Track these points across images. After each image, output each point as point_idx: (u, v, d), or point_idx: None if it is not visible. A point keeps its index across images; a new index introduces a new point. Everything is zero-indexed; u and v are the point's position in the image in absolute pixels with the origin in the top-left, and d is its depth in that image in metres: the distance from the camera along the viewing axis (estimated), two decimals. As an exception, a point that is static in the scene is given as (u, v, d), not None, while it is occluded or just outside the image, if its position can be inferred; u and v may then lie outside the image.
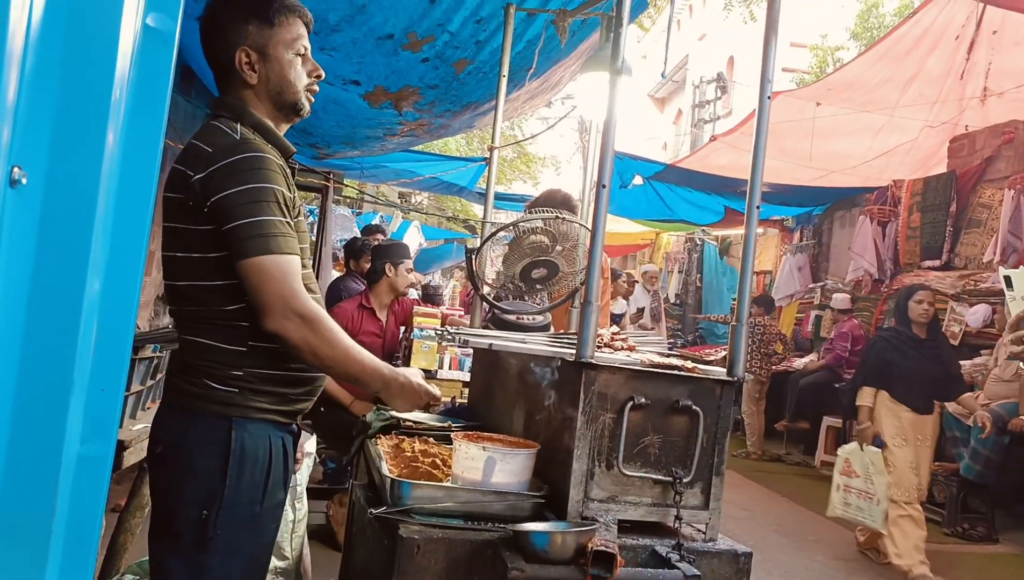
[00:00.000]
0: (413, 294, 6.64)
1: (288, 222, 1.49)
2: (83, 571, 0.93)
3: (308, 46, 1.65)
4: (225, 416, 1.49)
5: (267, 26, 1.58)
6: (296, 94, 1.63)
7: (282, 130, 1.67)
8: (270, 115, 1.63)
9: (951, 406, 6.01)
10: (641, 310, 8.83)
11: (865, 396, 4.53)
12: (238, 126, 1.55)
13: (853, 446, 4.66)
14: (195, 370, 1.52)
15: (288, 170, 1.59)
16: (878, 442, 4.52)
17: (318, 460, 3.77)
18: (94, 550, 0.96)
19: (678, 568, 1.40)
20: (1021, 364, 2.10)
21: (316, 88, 1.68)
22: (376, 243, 5.23)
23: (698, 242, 12.48)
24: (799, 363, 8.40)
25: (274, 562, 2.23)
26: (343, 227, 8.55)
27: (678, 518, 1.51)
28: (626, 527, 1.54)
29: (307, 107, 1.67)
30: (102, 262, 0.89)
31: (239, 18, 1.57)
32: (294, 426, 1.67)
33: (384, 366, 1.59)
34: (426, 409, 1.70)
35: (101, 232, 0.82)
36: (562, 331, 2.66)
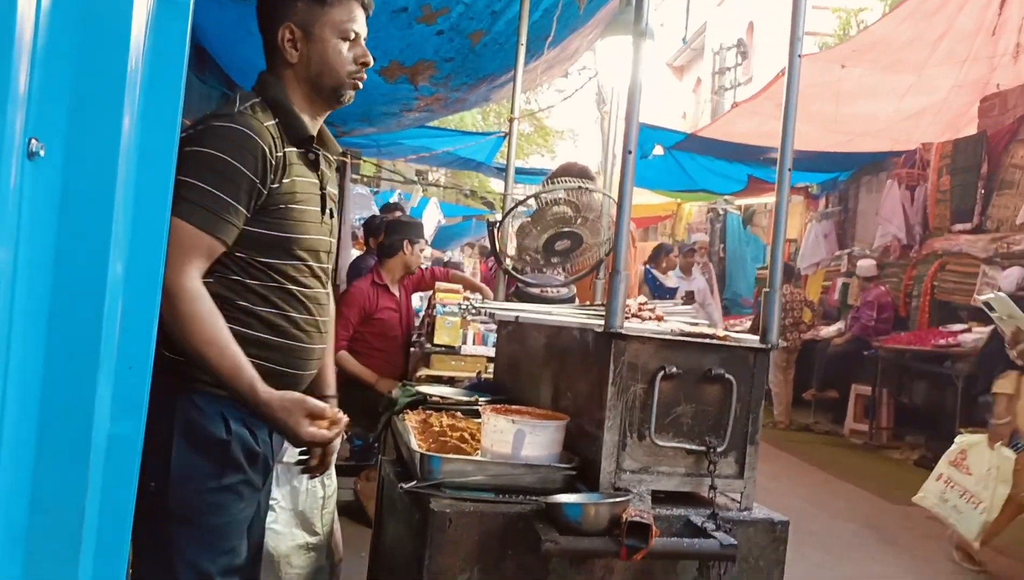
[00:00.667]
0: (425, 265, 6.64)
1: (233, 205, 1.40)
2: (118, 548, 0.93)
3: (361, 31, 1.56)
4: (171, 386, 1.40)
5: (318, 4, 1.50)
6: (337, 79, 1.54)
7: (320, 116, 1.60)
8: (307, 98, 1.56)
9: (984, 371, 5.92)
10: (690, 294, 7.42)
11: (1008, 383, 3.50)
12: (251, 100, 1.51)
13: (979, 439, 3.90)
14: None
15: (289, 153, 1.51)
16: (1016, 443, 3.71)
17: (345, 437, 3.79)
18: (128, 527, 0.96)
19: (714, 537, 1.38)
20: None
21: (363, 76, 1.58)
22: (392, 218, 5.23)
23: (720, 212, 12.33)
24: (826, 332, 8.31)
25: (304, 537, 2.24)
26: (361, 205, 8.54)
27: (713, 487, 1.49)
28: (660, 497, 1.52)
29: (350, 94, 1.58)
30: (125, 236, 0.87)
31: None
32: None
33: (252, 381, 1.41)
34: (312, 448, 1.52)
35: (122, 205, 0.80)
36: (588, 303, 2.63)
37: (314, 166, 1.60)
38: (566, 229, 2.42)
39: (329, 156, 1.66)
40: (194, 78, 4.12)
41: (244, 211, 1.44)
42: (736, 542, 1.38)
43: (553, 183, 2.47)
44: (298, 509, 2.27)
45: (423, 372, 3.87)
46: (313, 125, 1.60)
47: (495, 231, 2.46)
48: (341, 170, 5.47)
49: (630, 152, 1.49)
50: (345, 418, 1.55)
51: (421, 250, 4.20)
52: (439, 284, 4.18)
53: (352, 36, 1.54)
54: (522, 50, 2.69)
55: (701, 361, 1.53)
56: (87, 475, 0.86)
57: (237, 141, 1.41)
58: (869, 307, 7.74)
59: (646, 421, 1.50)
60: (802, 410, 8.19)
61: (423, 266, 4.52)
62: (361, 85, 1.59)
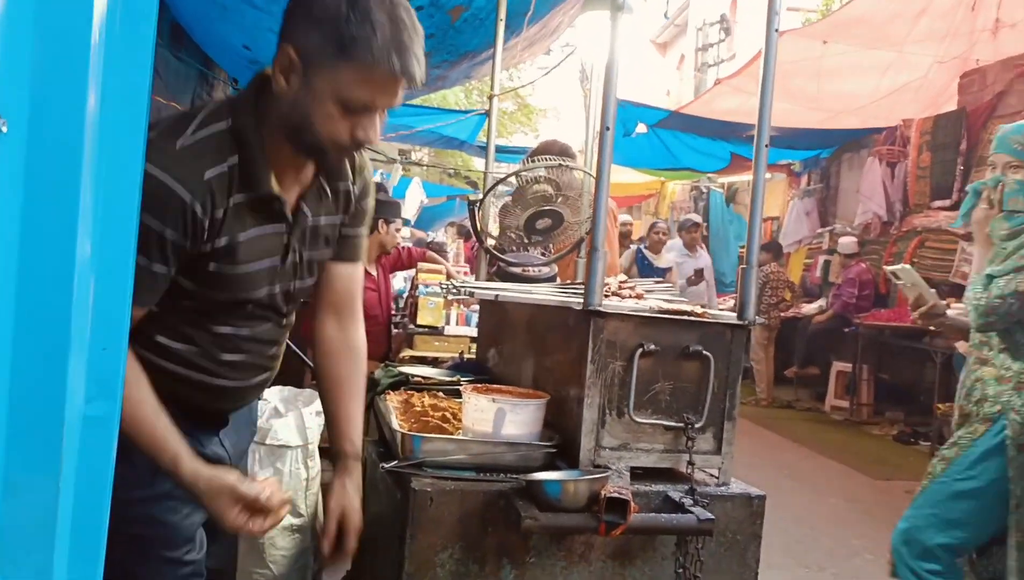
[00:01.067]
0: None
1: (154, 271, 1.19)
2: (96, 531, 0.93)
3: (377, 104, 1.22)
4: None
5: (333, 47, 1.16)
6: (315, 144, 1.24)
7: (300, 165, 1.31)
8: (281, 137, 1.26)
9: (962, 346, 6.01)
10: (699, 272, 6.88)
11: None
12: (213, 126, 1.23)
13: None
14: None
15: (222, 214, 1.23)
16: None
17: (329, 418, 3.79)
18: (106, 510, 0.95)
19: (692, 512, 1.40)
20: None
21: (355, 152, 1.33)
22: None
23: (704, 190, 12.36)
24: (808, 309, 8.39)
25: (289, 519, 2.25)
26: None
27: (691, 463, 1.51)
28: (639, 474, 1.54)
29: (333, 162, 1.31)
30: (93, 215, 0.86)
31: (316, 16, 1.18)
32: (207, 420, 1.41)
33: (174, 447, 1.23)
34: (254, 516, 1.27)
35: (90, 183, 0.79)
36: (569, 281, 2.63)
37: (277, 216, 1.31)
38: (547, 207, 2.42)
39: (327, 187, 1.38)
40: (170, 56, 4.06)
41: (166, 270, 1.22)
42: (713, 517, 1.40)
43: (533, 161, 2.46)
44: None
45: (406, 353, 3.87)
46: (285, 175, 1.30)
47: (476, 210, 2.46)
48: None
49: (608, 129, 1.48)
50: (286, 503, 1.31)
51: (397, 230, 4.18)
52: (421, 264, 4.17)
53: (358, 108, 1.21)
54: (501, 26, 2.66)
55: (679, 338, 1.54)
56: (60, 457, 0.86)
57: (157, 197, 1.15)
58: (850, 284, 7.82)
59: (625, 398, 1.51)
60: (784, 387, 8.29)
61: (401, 245, 4.51)
62: (351, 158, 1.35)
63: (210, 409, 1.42)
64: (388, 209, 4.16)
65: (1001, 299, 2.08)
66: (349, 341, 1.56)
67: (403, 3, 1.20)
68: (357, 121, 1.22)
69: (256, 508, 1.25)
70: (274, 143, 1.27)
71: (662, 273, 6.54)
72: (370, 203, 1.51)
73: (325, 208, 1.40)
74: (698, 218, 8.71)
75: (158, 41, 3.60)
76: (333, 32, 1.15)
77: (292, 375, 2.98)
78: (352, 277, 1.55)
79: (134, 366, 1.19)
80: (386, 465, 1.48)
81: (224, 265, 1.27)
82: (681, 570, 1.43)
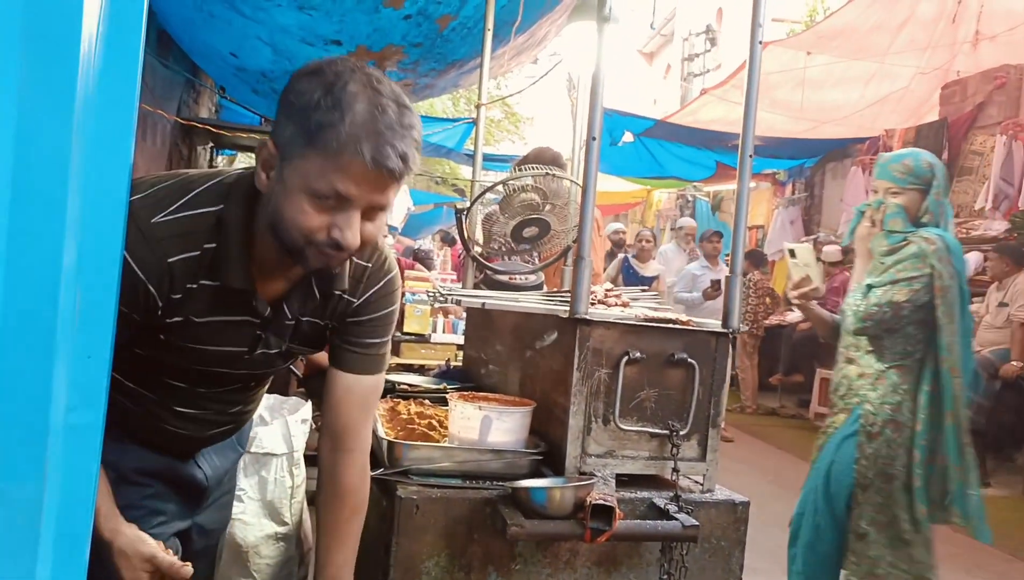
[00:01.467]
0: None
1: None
2: (80, 540, 0.92)
3: (352, 197, 1.08)
4: None
5: (302, 137, 1.06)
6: (292, 242, 1.12)
7: (282, 258, 1.18)
8: (268, 232, 1.16)
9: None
10: (717, 283, 6.28)
11: None
12: (202, 206, 1.17)
13: None
14: None
15: (188, 286, 1.18)
16: None
17: (314, 427, 3.78)
18: (90, 518, 0.95)
19: (676, 519, 1.41)
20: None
21: (338, 256, 1.14)
22: None
23: (690, 199, 12.43)
24: (792, 317, 8.44)
25: (273, 527, 2.24)
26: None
27: (675, 470, 1.52)
28: (624, 481, 1.55)
29: (316, 265, 1.16)
30: (79, 223, 0.86)
31: (292, 105, 1.09)
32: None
33: (109, 516, 1.20)
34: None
35: (77, 190, 0.79)
36: (555, 289, 2.64)
37: (248, 309, 1.23)
38: (534, 216, 2.43)
39: (332, 292, 1.29)
40: (157, 63, 4.04)
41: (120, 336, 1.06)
42: (698, 523, 1.40)
43: (522, 169, 2.47)
44: (266, 499, 2.26)
45: (393, 360, 3.86)
46: (270, 270, 1.22)
47: (463, 218, 2.46)
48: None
49: (594, 138, 1.50)
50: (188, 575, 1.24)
51: (384, 236, 4.18)
52: (408, 272, 4.17)
53: (326, 199, 1.08)
54: (489, 35, 2.68)
55: (664, 346, 1.55)
56: (45, 465, 0.85)
57: (131, 276, 1.11)
58: (834, 293, 7.88)
59: (611, 405, 1.52)
60: (769, 395, 8.33)
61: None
62: (334, 263, 1.18)
63: (169, 448, 1.37)
64: None
65: (878, 307, 2.31)
66: (338, 480, 1.36)
67: (393, 94, 1.10)
68: (333, 219, 1.09)
69: (163, 577, 1.22)
70: (262, 237, 1.18)
71: (648, 282, 6.47)
72: (379, 320, 1.36)
73: (311, 310, 1.30)
74: (684, 229, 8.32)
75: (145, 48, 3.60)
76: (303, 120, 1.06)
77: (278, 383, 2.97)
78: (350, 393, 1.35)
79: None
80: (372, 473, 1.48)
81: (175, 339, 1.21)
82: (666, 576, 1.44)
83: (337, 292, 1.29)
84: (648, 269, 6.95)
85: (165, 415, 1.33)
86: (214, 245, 1.17)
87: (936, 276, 2.28)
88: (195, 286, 1.18)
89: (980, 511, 2.29)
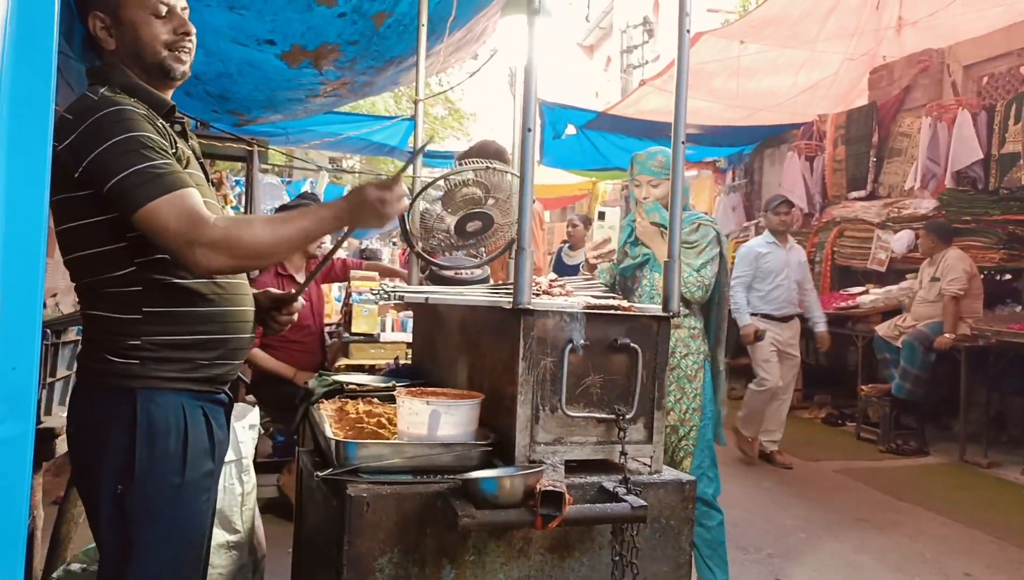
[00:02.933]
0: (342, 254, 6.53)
1: (168, 161, 1.44)
2: (13, 557, 0.90)
3: (173, 4, 1.56)
4: (128, 389, 1.46)
5: None
6: (156, 55, 1.55)
7: (167, 92, 1.60)
8: (144, 79, 1.56)
9: (880, 329, 6.30)
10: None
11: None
12: (101, 89, 1.49)
13: None
14: (95, 345, 1.49)
15: (164, 125, 1.53)
16: None
17: (263, 433, 3.72)
18: (22, 534, 0.92)
19: (625, 501, 1.43)
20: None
21: (189, 44, 1.58)
22: (283, 204, 5.14)
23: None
24: (737, 300, 8.63)
25: (224, 536, 2.20)
26: (272, 196, 8.32)
27: (623, 454, 1.54)
28: (573, 467, 1.56)
29: (178, 68, 1.57)
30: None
31: None
32: (222, 394, 1.63)
33: (327, 205, 1.52)
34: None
35: (-11, 199, 0.77)
36: (500, 282, 2.65)
37: (184, 136, 1.62)
38: (476, 210, 2.43)
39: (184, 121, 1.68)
40: (84, 68, 3.91)
41: (175, 161, 1.46)
42: (646, 504, 1.43)
43: (464, 164, 2.47)
44: (217, 508, 2.22)
45: (342, 362, 3.82)
46: (167, 97, 1.60)
47: (405, 215, 2.45)
48: (248, 159, 5.31)
49: (529, 130, 1.51)
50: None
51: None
52: (354, 272, 4.13)
53: (162, 11, 1.53)
54: (423, 31, 2.67)
55: (607, 332, 1.57)
56: (-30, 482, 0.83)
57: (126, 117, 1.42)
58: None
59: (557, 393, 1.53)
60: (718, 377, 8.49)
61: (339, 256, 4.45)
62: (187, 57, 1.58)
63: (231, 343, 1.58)
64: None
65: (710, 280, 2.85)
66: None
67: None
68: (169, 22, 1.54)
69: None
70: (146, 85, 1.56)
71: (575, 270, 5.73)
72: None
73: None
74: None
75: (69, 53, 3.46)
76: None
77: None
78: None
79: (234, 219, 1.49)
80: (320, 473, 1.47)
81: (185, 167, 1.50)
82: (618, 558, 1.46)
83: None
84: (577, 256, 6.61)
85: (226, 296, 1.57)
86: (133, 100, 1.50)
87: (722, 253, 2.89)
88: (161, 123, 1.50)
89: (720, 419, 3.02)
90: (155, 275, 1.48)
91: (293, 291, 1.83)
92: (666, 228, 2.76)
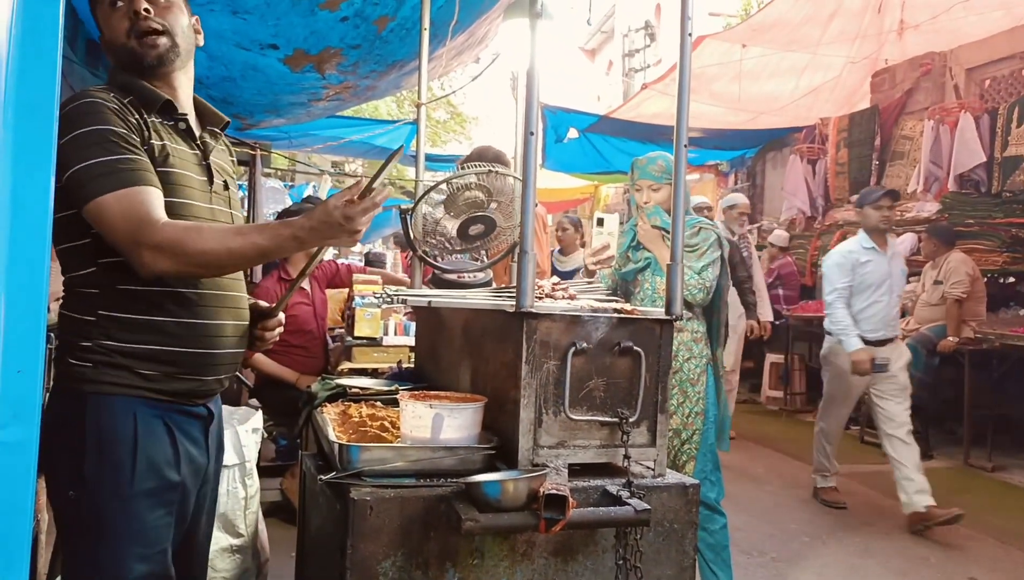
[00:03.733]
0: (354, 260, 6.54)
1: (130, 157, 1.39)
2: (18, 560, 0.90)
3: None
4: (80, 393, 1.40)
5: None
6: (123, 46, 1.51)
7: (167, 85, 1.55)
8: (131, 72, 1.53)
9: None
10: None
11: None
12: (99, 86, 1.49)
13: None
14: (62, 346, 1.45)
15: (146, 120, 1.48)
16: None
17: (266, 437, 3.73)
18: (27, 537, 0.92)
19: (629, 504, 1.43)
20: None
21: (146, 26, 1.50)
22: (286, 209, 5.13)
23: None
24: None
25: (228, 540, 2.20)
26: (274, 200, 8.34)
27: (627, 457, 1.54)
28: (576, 470, 1.56)
29: (149, 53, 1.50)
30: (3, 238, 0.84)
31: None
32: (198, 408, 1.56)
33: (287, 224, 1.42)
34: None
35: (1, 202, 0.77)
36: (503, 285, 2.65)
37: (188, 136, 1.57)
38: (479, 213, 2.44)
39: (216, 130, 1.64)
40: (88, 73, 3.92)
41: (145, 159, 1.42)
42: (650, 507, 1.43)
43: (465, 168, 2.47)
44: (220, 512, 2.22)
45: (345, 365, 3.82)
46: (171, 93, 1.55)
47: (408, 219, 2.45)
48: (250, 163, 5.32)
49: (532, 133, 1.51)
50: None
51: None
52: (356, 276, 4.13)
53: (119, 1, 1.51)
54: (426, 35, 2.67)
55: (610, 335, 1.57)
56: (-25, 486, 0.83)
57: (92, 110, 1.39)
58: (770, 274, 8.13)
59: (560, 396, 1.53)
60: (721, 380, 8.48)
61: (342, 261, 4.46)
62: (156, 38, 1.51)
63: (197, 358, 1.51)
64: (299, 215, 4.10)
65: (711, 283, 2.84)
66: None
67: None
68: (126, 7, 1.50)
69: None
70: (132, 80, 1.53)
71: (569, 276, 5.21)
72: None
73: (224, 149, 1.69)
74: (738, 207, 6.21)
75: (73, 58, 3.47)
76: None
77: (228, 394, 2.91)
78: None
79: (183, 224, 1.41)
80: (324, 477, 1.47)
81: (162, 167, 1.45)
82: (621, 561, 1.46)
83: (207, 103, 1.67)
84: (570, 262, 6.09)
85: (190, 309, 1.49)
86: (131, 96, 1.48)
87: (722, 256, 2.90)
88: (145, 119, 1.47)
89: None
90: (116, 277, 1.42)
91: (274, 305, 1.74)
92: (668, 232, 2.79)
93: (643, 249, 2.98)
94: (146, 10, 1.50)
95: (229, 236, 1.40)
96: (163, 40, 1.52)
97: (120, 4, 1.51)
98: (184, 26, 1.57)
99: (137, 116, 1.46)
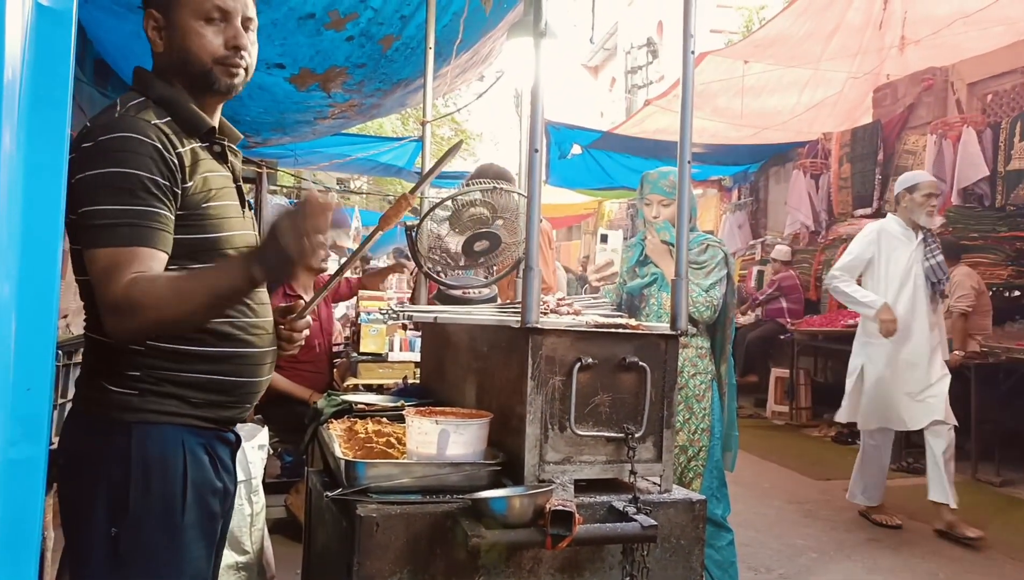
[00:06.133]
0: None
1: (146, 209, 1.29)
2: (25, 577, 0.90)
3: (232, 7, 1.43)
4: (124, 422, 1.34)
5: None
6: (201, 67, 1.42)
7: (211, 108, 1.48)
8: (188, 89, 1.45)
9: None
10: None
11: None
12: (133, 100, 1.40)
13: None
14: (94, 371, 1.39)
15: (184, 151, 1.39)
16: None
17: (272, 453, 3.72)
18: (35, 555, 0.92)
19: (635, 520, 1.42)
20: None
21: (239, 61, 1.44)
22: None
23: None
24: (743, 319, 8.62)
25: (234, 557, 2.19)
26: (281, 217, 8.35)
27: (633, 472, 1.54)
28: (583, 486, 1.56)
29: (224, 81, 1.44)
30: (13, 256, 0.85)
31: None
32: (229, 434, 1.54)
33: (238, 258, 1.36)
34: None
35: (7, 223, 0.78)
36: (508, 302, 2.66)
37: (222, 159, 1.51)
38: (484, 230, 2.45)
39: (235, 148, 1.59)
40: (95, 92, 3.96)
41: (166, 212, 1.32)
42: (657, 523, 1.42)
43: (470, 185, 2.48)
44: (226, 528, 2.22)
45: (351, 381, 3.82)
46: (212, 116, 1.49)
47: (413, 235, 2.46)
48: (257, 181, 5.35)
49: (536, 150, 1.52)
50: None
51: (327, 256, 4.15)
52: (362, 292, 4.14)
53: (216, 16, 1.42)
54: (431, 54, 2.70)
55: (615, 351, 1.57)
56: (-15, 503, 0.83)
57: (127, 148, 1.30)
58: (771, 285, 8.15)
59: (566, 412, 1.53)
60: (726, 396, 8.46)
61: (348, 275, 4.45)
62: (239, 72, 1.45)
63: (241, 387, 1.48)
64: None
65: (718, 300, 2.86)
66: None
67: None
68: (223, 32, 1.43)
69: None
70: (188, 99, 1.45)
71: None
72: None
73: (241, 170, 1.59)
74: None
75: (82, 78, 3.51)
76: None
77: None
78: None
79: (148, 277, 1.27)
80: (330, 493, 1.47)
81: (204, 202, 1.40)
82: (628, 578, 1.45)
83: (227, 122, 1.59)
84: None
85: (242, 337, 1.46)
86: (169, 117, 1.41)
87: (729, 274, 2.91)
88: (184, 149, 1.39)
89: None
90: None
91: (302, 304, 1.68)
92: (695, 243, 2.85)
93: (650, 264, 3.00)
94: (245, 48, 1.45)
95: (181, 280, 1.31)
96: (242, 76, 1.48)
97: (219, 23, 1.43)
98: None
99: (177, 145, 1.38)
